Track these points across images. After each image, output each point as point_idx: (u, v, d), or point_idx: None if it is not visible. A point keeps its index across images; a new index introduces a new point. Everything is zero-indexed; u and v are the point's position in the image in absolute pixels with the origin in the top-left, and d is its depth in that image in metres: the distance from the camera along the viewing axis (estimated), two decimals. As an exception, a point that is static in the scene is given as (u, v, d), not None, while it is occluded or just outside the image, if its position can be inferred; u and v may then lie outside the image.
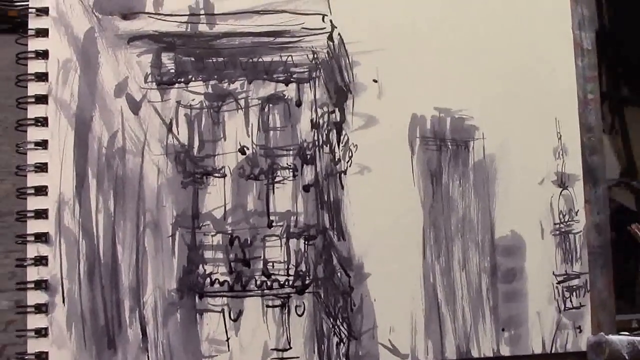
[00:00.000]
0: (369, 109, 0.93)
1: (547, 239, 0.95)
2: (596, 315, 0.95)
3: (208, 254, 0.91)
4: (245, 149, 0.92)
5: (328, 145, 0.93)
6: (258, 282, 0.91)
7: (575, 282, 0.95)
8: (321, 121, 0.93)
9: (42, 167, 0.90)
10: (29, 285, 0.89)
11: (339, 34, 0.93)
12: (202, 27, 0.93)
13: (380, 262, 0.92)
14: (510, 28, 0.96)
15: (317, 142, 0.93)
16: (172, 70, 0.92)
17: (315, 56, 0.93)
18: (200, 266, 0.91)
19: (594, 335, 0.94)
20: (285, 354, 0.91)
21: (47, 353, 0.88)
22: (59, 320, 0.89)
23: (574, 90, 0.96)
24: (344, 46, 0.93)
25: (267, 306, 0.91)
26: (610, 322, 0.95)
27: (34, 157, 0.90)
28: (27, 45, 0.92)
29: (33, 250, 0.90)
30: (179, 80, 0.92)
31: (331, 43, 0.93)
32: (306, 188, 0.92)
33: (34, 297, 0.89)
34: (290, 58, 0.93)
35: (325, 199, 0.92)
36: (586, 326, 0.95)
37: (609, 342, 0.92)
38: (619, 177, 1.61)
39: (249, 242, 0.91)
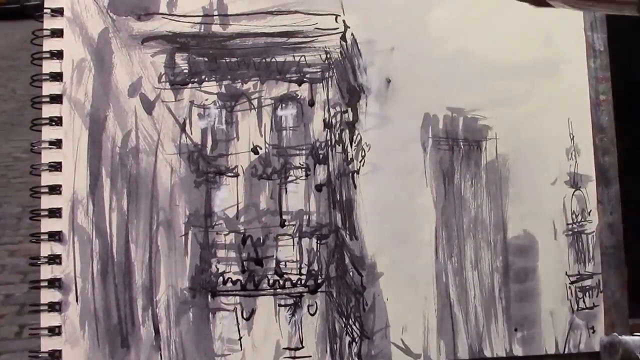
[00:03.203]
0: (382, 109, 0.93)
1: (559, 239, 0.94)
2: (609, 315, 0.95)
3: (221, 253, 0.91)
4: (258, 148, 0.92)
5: (341, 145, 0.93)
6: (270, 281, 0.91)
7: (588, 282, 0.95)
8: (334, 121, 0.93)
9: (56, 166, 0.91)
10: (42, 284, 0.89)
11: (352, 34, 0.93)
12: (216, 28, 0.94)
13: (392, 262, 0.92)
14: (522, 29, 0.96)
15: (329, 142, 0.93)
16: (186, 71, 0.93)
17: (328, 56, 0.93)
18: (213, 265, 0.91)
19: (607, 336, 0.93)
20: (298, 353, 0.91)
21: (60, 351, 0.88)
22: (72, 318, 0.89)
23: (586, 91, 0.96)
24: (357, 46, 0.93)
25: (280, 305, 0.91)
26: (624, 322, 0.94)
27: (48, 156, 0.91)
28: (42, 45, 0.93)
29: (47, 248, 0.90)
30: (192, 80, 0.93)
31: (344, 43, 0.93)
32: (318, 187, 0.92)
33: (47, 296, 0.89)
34: (303, 58, 0.93)
35: (338, 198, 0.92)
36: (599, 327, 0.94)
37: (623, 343, 0.91)
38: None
39: (261, 241, 0.91)
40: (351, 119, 0.93)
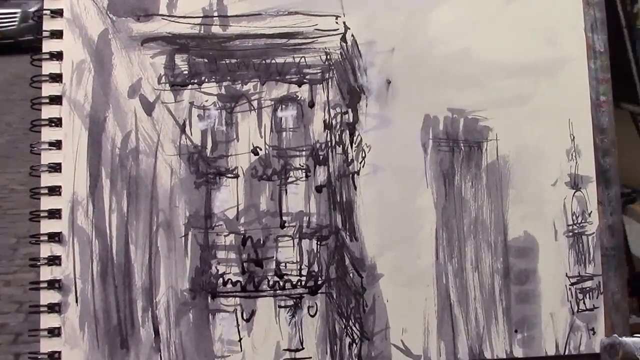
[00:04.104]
0: (382, 110, 0.93)
1: (560, 241, 0.94)
2: (609, 317, 0.94)
3: (221, 254, 0.91)
4: (258, 149, 0.92)
5: (341, 146, 0.93)
6: (270, 283, 0.91)
7: (589, 284, 0.95)
8: (334, 122, 0.93)
9: (55, 167, 0.91)
10: (42, 285, 0.89)
11: (352, 35, 0.93)
12: (216, 29, 0.93)
13: (392, 263, 0.92)
14: (523, 30, 0.96)
15: (329, 143, 0.93)
16: (186, 72, 0.93)
17: (328, 57, 0.93)
18: (213, 266, 0.91)
19: (607, 337, 0.93)
20: (298, 355, 0.91)
21: (59, 352, 0.88)
22: (71, 319, 0.89)
23: (586, 92, 0.96)
24: (357, 47, 0.93)
25: (280, 306, 0.91)
26: (624, 324, 0.94)
27: (48, 157, 0.91)
28: (41, 47, 0.93)
29: (46, 250, 0.90)
30: (192, 81, 0.93)
31: (344, 44, 0.93)
32: (319, 189, 0.92)
33: (47, 297, 0.89)
34: (303, 59, 0.93)
35: (338, 199, 0.92)
36: (600, 328, 0.94)
37: (623, 344, 0.91)
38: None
39: (261, 242, 0.91)
40: (351, 120, 0.93)
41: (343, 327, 0.91)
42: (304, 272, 0.91)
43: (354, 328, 0.91)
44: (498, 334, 0.93)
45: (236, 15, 0.94)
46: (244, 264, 0.91)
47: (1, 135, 5.22)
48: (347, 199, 0.92)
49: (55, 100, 0.91)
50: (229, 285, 0.91)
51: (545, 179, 0.95)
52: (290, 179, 0.92)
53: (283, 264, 0.91)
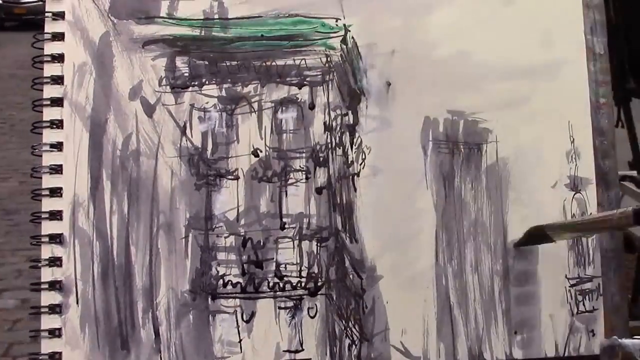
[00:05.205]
0: (382, 112, 0.93)
1: (559, 243, 0.94)
2: (609, 318, 0.94)
3: (221, 256, 0.91)
4: (258, 151, 0.92)
5: (341, 148, 0.93)
6: (270, 284, 0.91)
7: (588, 285, 0.95)
8: (334, 124, 0.93)
9: (57, 169, 0.91)
10: (43, 286, 0.89)
11: (352, 37, 0.94)
12: (216, 31, 0.94)
13: (392, 265, 0.92)
14: (522, 32, 0.96)
15: (330, 145, 0.93)
16: (186, 74, 0.93)
17: (328, 59, 0.93)
18: (213, 268, 0.91)
19: (607, 339, 0.93)
20: (298, 356, 0.91)
21: (60, 353, 0.89)
22: (72, 320, 0.89)
23: (586, 95, 0.96)
24: (357, 49, 0.93)
25: (280, 308, 0.91)
26: (624, 325, 0.94)
27: (49, 158, 0.91)
28: (43, 48, 0.93)
29: (47, 251, 0.90)
30: (192, 83, 0.93)
31: (344, 46, 0.94)
32: (319, 190, 0.92)
33: (48, 298, 0.90)
34: (303, 61, 0.93)
35: (338, 201, 0.92)
36: (599, 330, 0.94)
37: (622, 346, 0.91)
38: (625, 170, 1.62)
39: (261, 243, 0.91)
40: (351, 122, 0.93)
41: (343, 328, 0.91)
42: (304, 274, 0.91)
43: (353, 329, 0.92)
44: (497, 335, 0.93)
45: (236, 18, 0.94)
46: (244, 265, 0.91)
47: (25, 111, 5.14)
48: (347, 201, 0.93)
49: (57, 102, 0.92)
50: (229, 287, 0.91)
51: (544, 180, 0.95)
52: (290, 181, 0.92)
53: (283, 266, 0.91)
